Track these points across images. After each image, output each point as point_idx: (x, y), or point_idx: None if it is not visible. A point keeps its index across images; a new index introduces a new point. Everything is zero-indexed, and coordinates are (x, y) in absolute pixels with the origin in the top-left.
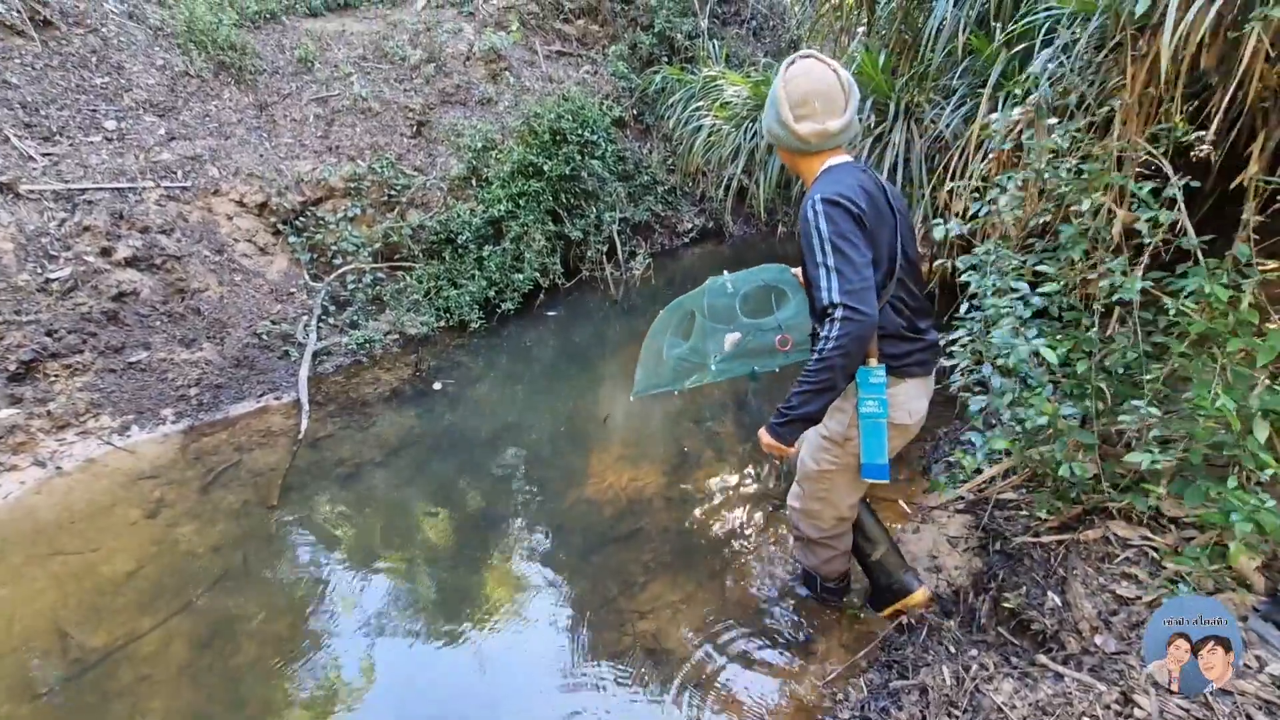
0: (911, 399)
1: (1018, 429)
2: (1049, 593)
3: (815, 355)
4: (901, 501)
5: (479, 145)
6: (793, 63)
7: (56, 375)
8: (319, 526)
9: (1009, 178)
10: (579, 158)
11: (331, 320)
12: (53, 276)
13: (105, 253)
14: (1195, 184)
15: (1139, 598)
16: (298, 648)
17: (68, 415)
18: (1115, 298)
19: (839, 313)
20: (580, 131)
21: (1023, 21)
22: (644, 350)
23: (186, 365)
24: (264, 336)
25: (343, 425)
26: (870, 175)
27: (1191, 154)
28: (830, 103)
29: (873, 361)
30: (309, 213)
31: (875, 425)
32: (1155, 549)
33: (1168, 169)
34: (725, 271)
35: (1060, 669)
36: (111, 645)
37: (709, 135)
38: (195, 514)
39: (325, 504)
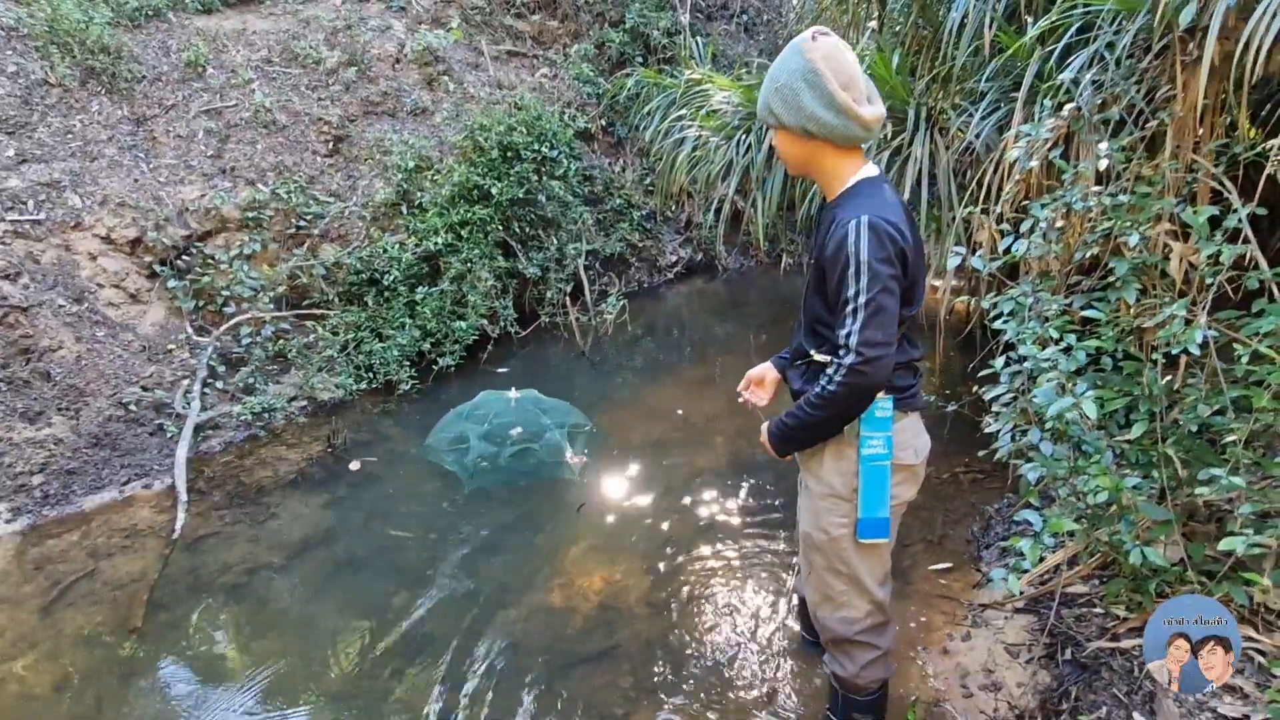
0: (916, 435)
1: (1079, 505)
2: (1134, 714)
3: (818, 390)
4: (945, 593)
5: (411, 165)
6: (814, 38)
7: None
8: (196, 655)
9: (1042, 205)
10: (535, 178)
11: (220, 384)
12: None
13: None
14: (1261, 210)
15: (1247, 717)
16: None
17: None
18: (1177, 348)
19: (851, 359)
20: (536, 146)
21: (1056, 16)
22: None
23: (29, 446)
24: (132, 407)
25: (231, 520)
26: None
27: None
28: (872, 87)
29: (879, 393)
30: (194, 250)
31: (878, 471)
32: (1262, 653)
33: (1232, 194)
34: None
35: None
36: None
37: (694, 150)
38: (33, 642)
39: (205, 625)
